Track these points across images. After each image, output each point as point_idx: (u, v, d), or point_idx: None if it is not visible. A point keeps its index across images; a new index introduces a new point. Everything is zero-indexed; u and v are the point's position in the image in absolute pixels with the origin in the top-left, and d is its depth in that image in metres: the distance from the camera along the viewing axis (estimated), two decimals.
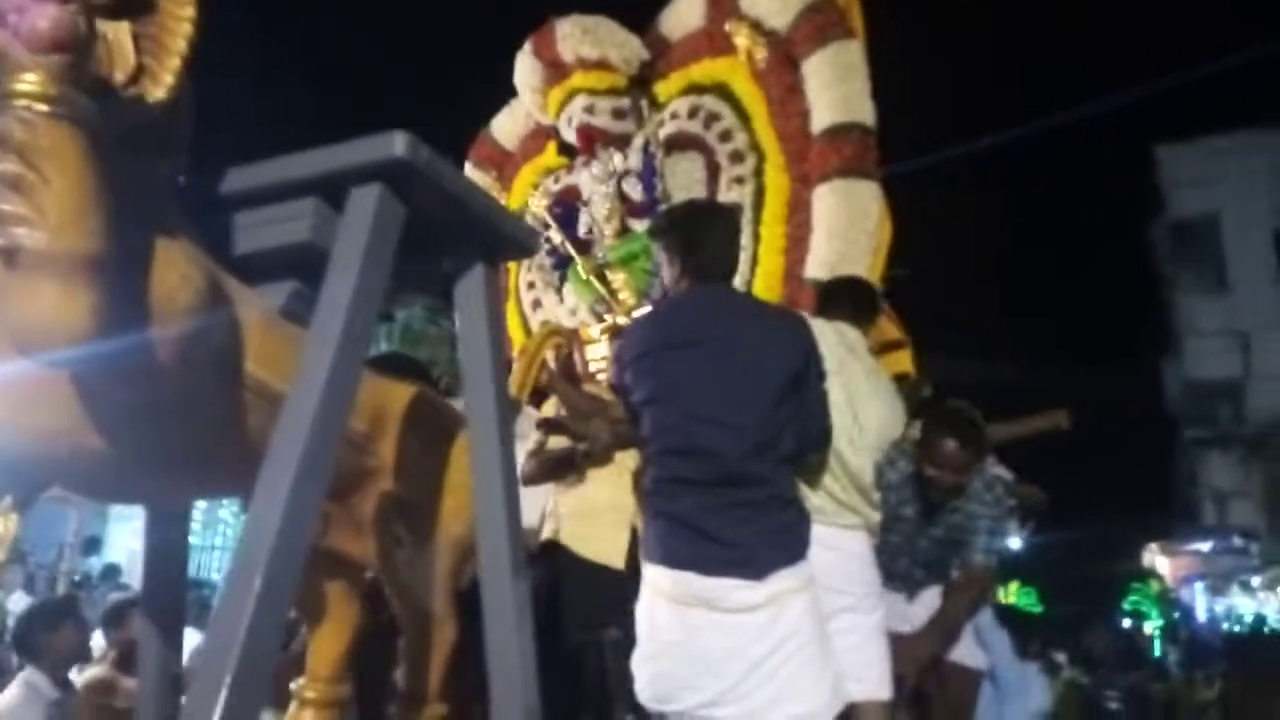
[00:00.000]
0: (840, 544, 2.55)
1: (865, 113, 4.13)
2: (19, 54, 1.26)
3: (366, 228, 1.64)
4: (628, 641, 2.79)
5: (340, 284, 1.59)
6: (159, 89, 1.52)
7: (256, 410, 1.56)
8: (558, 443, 3.10)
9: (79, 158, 1.26)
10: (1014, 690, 4.08)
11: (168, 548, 1.99)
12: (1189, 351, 18.03)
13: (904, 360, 3.92)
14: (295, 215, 1.70)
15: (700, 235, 2.44)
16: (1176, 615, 15.67)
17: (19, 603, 7.49)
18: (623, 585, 2.79)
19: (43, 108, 1.25)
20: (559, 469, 3.14)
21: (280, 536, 1.31)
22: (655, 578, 2.15)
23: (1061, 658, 9.44)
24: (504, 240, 2.01)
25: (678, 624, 2.08)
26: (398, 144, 1.65)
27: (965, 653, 3.17)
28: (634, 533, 3.04)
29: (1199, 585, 15.74)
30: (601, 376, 3.95)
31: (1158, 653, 14.05)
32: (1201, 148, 17.99)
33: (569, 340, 3.82)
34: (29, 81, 1.25)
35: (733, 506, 2.12)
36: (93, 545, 12.30)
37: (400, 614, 2.08)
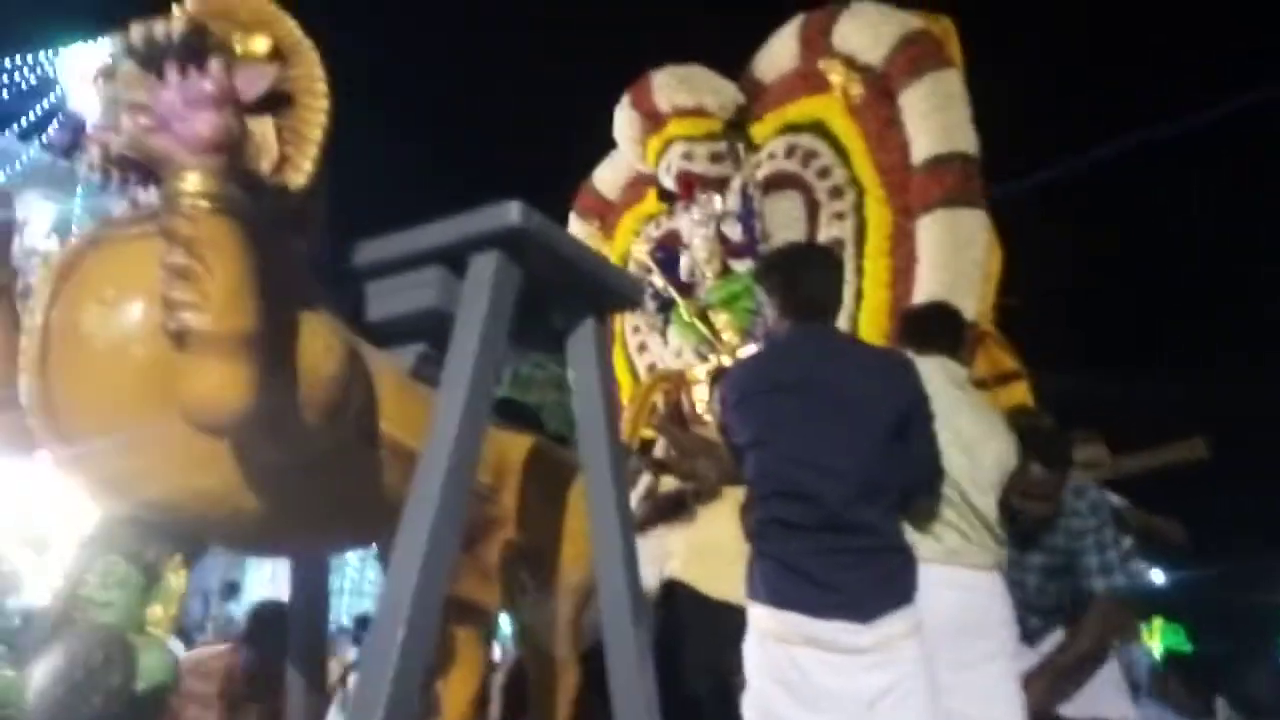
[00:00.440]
0: (978, 585, 2.46)
1: (967, 141, 4.09)
2: (183, 157, 1.41)
3: (487, 292, 1.74)
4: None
5: (465, 345, 1.70)
6: (299, 176, 1.67)
7: (391, 467, 1.67)
8: (667, 485, 3.15)
9: (237, 247, 1.40)
10: None
11: (310, 592, 2.13)
12: None
13: (1021, 391, 3.82)
14: (421, 283, 1.82)
15: (799, 275, 2.46)
16: None
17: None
18: (745, 624, 2.80)
19: (205, 205, 1.40)
20: (672, 510, 3.18)
21: (420, 587, 1.41)
22: (761, 618, 2.16)
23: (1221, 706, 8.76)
24: (612, 294, 2.10)
25: (787, 663, 2.08)
26: (513, 213, 1.76)
27: (1104, 704, 2.76)
28: None
29: None
30: (708, 418, 3.99)
31: None
32: None
33: (676, 385, 3.88)
34: (192, 182, 1.40)
35: (836, 552, 2.11)
36: (232, 590, 13.02)
37: (526, 658, 2.15)
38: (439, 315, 1.81)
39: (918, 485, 2.35)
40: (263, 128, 1.64)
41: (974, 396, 2.79)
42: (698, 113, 5.18)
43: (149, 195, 1.60)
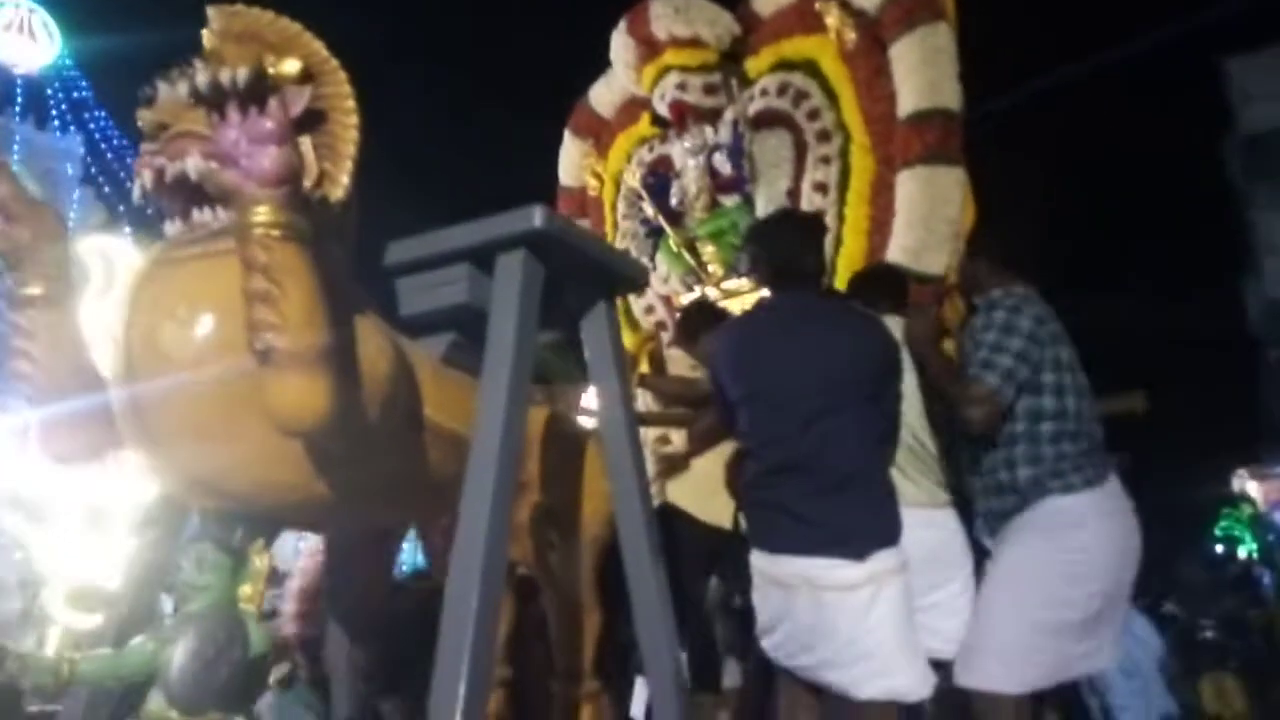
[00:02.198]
0: (943, 523, 2.71)
1: (951, 98, 4.23)
2: (252, 191, 1.58)
3: (517, 287, 1.97)
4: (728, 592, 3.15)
5: (503, 337, 1.93)
6: (337, 189, 1.83)
7: (434, 448, 1.92)
8: (652, 432, 3.42)
9: (307, 269, 1.60)
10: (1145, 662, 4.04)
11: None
12: (1269, 269, 17.28)
13: None
14: (452, 279, 2.04)
15: (782, 245, 2.62)
16: (1271, 539, 15.38)
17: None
18: (722, 540, 3.15)
19: (276, 233, 1.58)
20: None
21: (487, 557, 1.70)
22: (760, 563, 2.39)
23: (1169, 606, 9.42)
24: (621, 279, 2.33)
25: (784, 604, 2.31)
26: (536, 217, 1.97)
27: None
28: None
29: None
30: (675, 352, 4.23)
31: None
32: (1273, 58, 16.85)
33: (657, 340, 4.11)
34: (263, 213, 1.57)
35: (826, 492, 2.32)
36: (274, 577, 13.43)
37: (553, 605, 2.46)
38: (468, 308, 2.04)
39: (889, 434, 2.60)
40: (303, 146, 1.77)
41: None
42: (693, 43, 5.25)
43: (202, 215, 1.76)
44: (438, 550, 2.55)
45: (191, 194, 1.75)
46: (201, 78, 1.57)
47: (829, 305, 2.65)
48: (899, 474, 2.70)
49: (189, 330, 1.67)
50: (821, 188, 4.75)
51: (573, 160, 6.43)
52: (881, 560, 2.27)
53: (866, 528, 2.29)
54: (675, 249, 5.46)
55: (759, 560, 2.40)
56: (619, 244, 6.08)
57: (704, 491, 3.38)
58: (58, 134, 21.34)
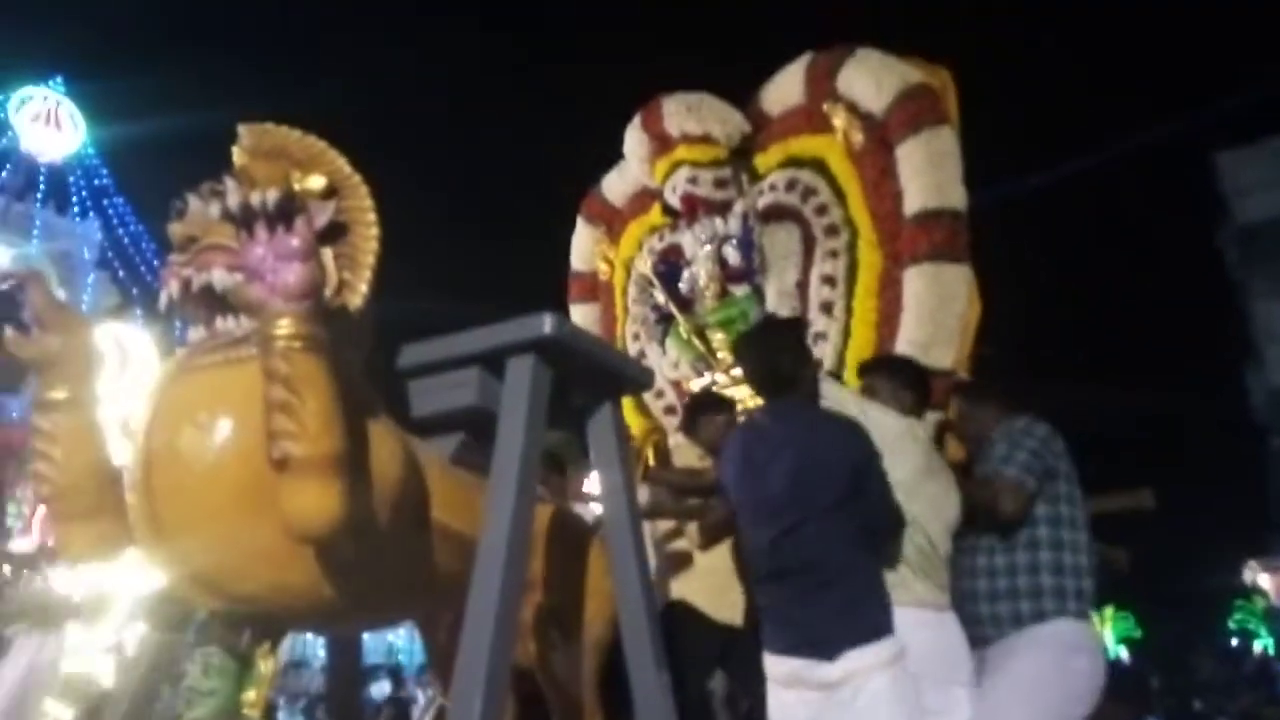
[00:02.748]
0: (947, 625, 2.71)
1: (956, 198, 4.34)
2: (276, 305, 1.66)
3: (526, 391, 2.04)
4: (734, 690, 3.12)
5: (512, 440, 1.99)
6: (356, 297, 1.92)
7: (440, 549, 1.96)
8: (662, 528, 3.44)
9: (326, 379, 1.67)
10: None
11: (347, 662, 2.45)
12: (1270, 358, 17.42)
13: None
14: (462, 382, 2.11)
15: (769, 356, 2.75)
16: None
17: None
18: (732, 636, 3.13)
19: (298, 345, 1.65)
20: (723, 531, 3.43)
21: (492, 658, 1.73)
22: (767, 665, 2.47)
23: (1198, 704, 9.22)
24: (626, 380, 2.40)
25: (785, 703, 2.40)
26: (546, 323, 2.05)
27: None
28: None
29: None
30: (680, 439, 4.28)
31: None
32: (1263, 150, 17.34)
33: (663, 434, 4.15)
34: (285, 326, 1.65)
35: (809, 595, 2.41)
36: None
37: (554, 706, 2.46)
38: (477, 410, 2.09)
39: (881, 531, 2.64)
40: (324, 257, 1.87)
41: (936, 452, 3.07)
42: (704, 140, 5.41)
43: (225, 323, 1.84)
44: (440, 646, 2.56)
45: (216, 303, 1.83)
46: (233, 199, 1.66)
47: (806, 414, 2.71)
48: (909, 571, 2.71)
49: (208, 435, 1.73)
50: (830, 280, 4.83)
51: (585, 245, 6.58)
52: (856, 659, 2.32)
53: (839, 627, 2.36)
54: (685, 335, 5.53)
55: (766, 660, 2.48)
56: (629, 328, 6.18)
57: (715, 588, 3.37)
58: (77, 219, 21.86)
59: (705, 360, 5.48)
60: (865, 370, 3.20)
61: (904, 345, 4.17)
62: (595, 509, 3.32)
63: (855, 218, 4.80)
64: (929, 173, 4.36)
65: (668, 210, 5.99)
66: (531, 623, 2.28)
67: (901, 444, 2.73)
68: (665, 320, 5.87)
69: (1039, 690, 2.61)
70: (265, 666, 1.77)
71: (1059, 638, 2.70)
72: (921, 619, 2.58)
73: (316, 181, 1.89)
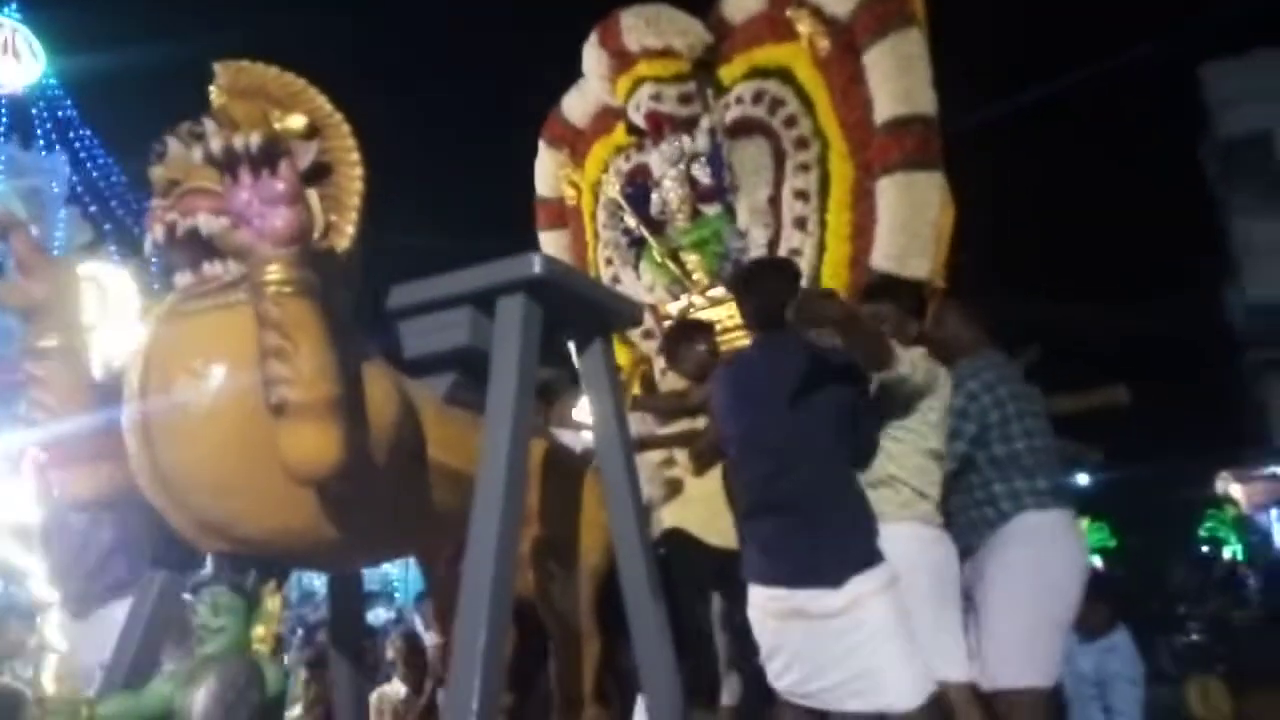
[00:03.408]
0: (946, 542, 2.81)
1: (926, 103, 4.28)
2: (264, 250, 1.63)
3: (518, 329, 2.03)
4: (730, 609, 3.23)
5: (505, 379, 1.99)
6: (343, 239, 1.89)
7: (437, 486, 1.97)
8: (655, 457, 3.47)
9: (318, 323, 1.65)
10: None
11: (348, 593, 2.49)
12: (1248, 273, 17.61)
13: None
14: (453, 322, 2.09)
15: (760, 291, 2.83)
16: (1255, 540, 15.67)
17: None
18: (728, 559, 3.20)
19: (288, 290, 1.63)
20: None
21: (494, 592, 1.77)
22: (755, 596, 2.55)
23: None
24: (615, 317, 2.41)
25: (779, 634, 2.49)
26: (535, 263, 2.03)
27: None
28: None
29: (1275, 512, 15.73)
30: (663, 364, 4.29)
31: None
32: (1248, 64, 17.15)
33: (649, 364, 4.15)
34: (275, 271, 1.62)
35: (803, 528, 2.48)
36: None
37: (554, 634, 2.52)
38: (470, 349, 2.09)
39: (866, 458, 2.70)
40: (309, 199, 1.84)
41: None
42: (666, 54, 5.27)
43: (213, 268, 1.81)
44: (440, 579, 2.61)
45: (202, 248, 1.81)
46: (215, 143, 1.62)
47: (801, 347, 2.72)
48: (913, 492, 2.74)
49: (203, 382, 1.73)
50: (802, 195, 4.80)
51: (549, 171, 6.43)
52: (859, 584, 2.40)
53: (841, 556, 2.43)
54: (659, 259, 5.50)
55: (754, 592, 2.55)
56: (601, 253, 6.11)
57: (709, 513, 3.44)
58: (43, 153, 21.06)
59: (680, 283, 5.45)
60: (871, 293, 3.22)
61: (880, 258, 4.18)
62: (585, 436, 3.34)
63: (825, 128, 4.73)
64: (897, 78, 4.30)
65: (632, 129, 5.86)
66: (530, 555, 2.33)
67: (947, 388, 2.81)
68: (637, 244, 5.80)
69: (1034, 579, 2.68)
70: (272, 603, 1.79)
71: (1033, 531, 2.77)
72: (930, 535, 2.68)
73: (297, 121, 1.84)
